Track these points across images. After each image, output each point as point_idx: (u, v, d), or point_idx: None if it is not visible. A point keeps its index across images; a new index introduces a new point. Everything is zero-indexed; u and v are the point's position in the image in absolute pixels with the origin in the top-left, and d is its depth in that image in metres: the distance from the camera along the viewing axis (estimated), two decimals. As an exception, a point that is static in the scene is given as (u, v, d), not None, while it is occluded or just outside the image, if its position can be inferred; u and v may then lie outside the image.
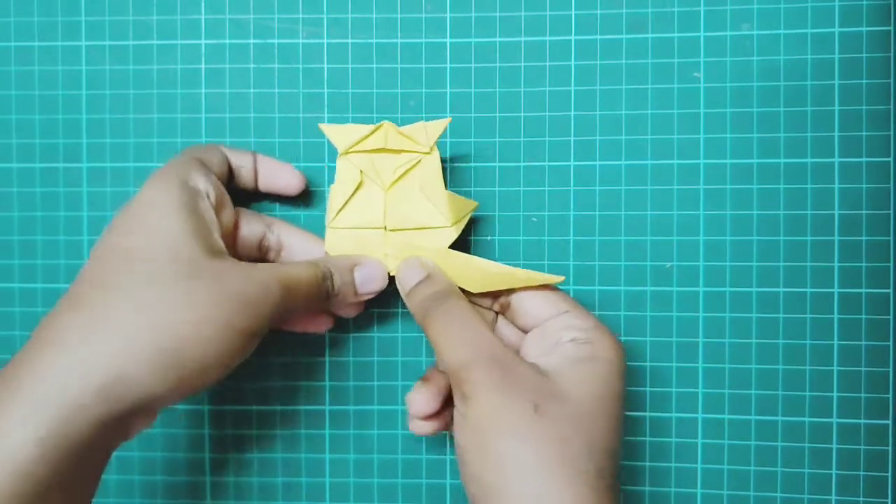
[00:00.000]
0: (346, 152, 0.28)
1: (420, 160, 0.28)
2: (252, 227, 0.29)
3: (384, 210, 0.28)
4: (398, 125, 0.28)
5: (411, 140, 0.28)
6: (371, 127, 0.28)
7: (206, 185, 0.26)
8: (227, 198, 0.27)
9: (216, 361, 0.23)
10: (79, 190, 0.32)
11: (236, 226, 0.28)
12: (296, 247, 0.29)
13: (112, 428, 0.22)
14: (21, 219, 0.32)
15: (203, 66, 0.32)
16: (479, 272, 0.27)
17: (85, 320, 0.22)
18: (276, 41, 0.32)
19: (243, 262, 0.25)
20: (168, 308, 0.22)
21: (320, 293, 0.26)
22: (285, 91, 0.32)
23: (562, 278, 0.27)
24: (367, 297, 0.28)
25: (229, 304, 0.23)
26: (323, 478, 0.32)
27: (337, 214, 0.28)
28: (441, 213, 0.28)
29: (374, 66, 0.32)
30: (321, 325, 0.31)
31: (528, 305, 0.27)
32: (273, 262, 0.29)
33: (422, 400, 0.28)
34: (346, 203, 0.28)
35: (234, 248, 0.28)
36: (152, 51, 0.32)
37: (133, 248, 0.23)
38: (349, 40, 0.32)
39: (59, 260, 0.32)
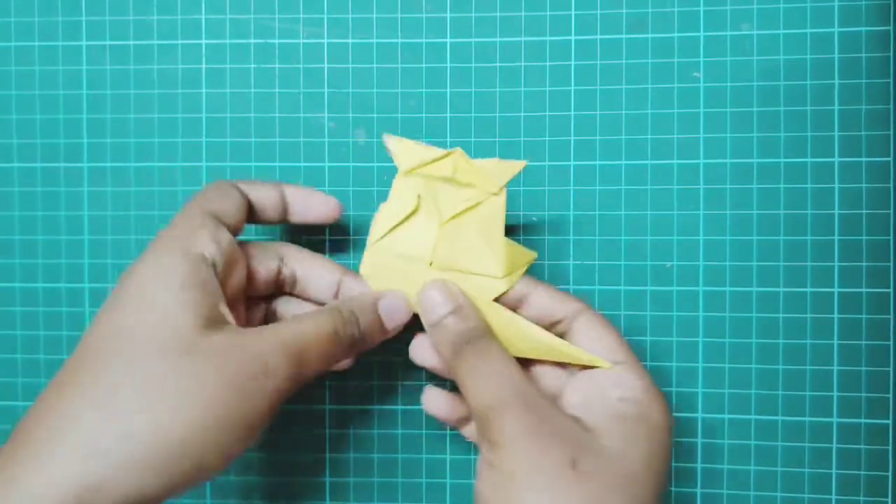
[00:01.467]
0: (409, 172, 0.26)
1: (483, 200, 0.26)
2: (265, 265, 0.26)
3: (434, 244, 0.26)
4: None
5: (481, 175, 0.26)
6: (441, 151, 0.26)
7: (213, 251, 0.23)
8: (238, 255, 0.25)
9: (217, 453, 0.20)
10: (80, 189, 0.32)
11: (250, 276, 0.26)
12: (311, 278, 0.27)
13: None
14: (22, 218, 0.32)
15: (204, 65, 0.32)
16: (521, 334, 0.25)
17: (61, 418, 0.20)
18: (276, 41, 0.32)
19: (247, 332, 0.22)
20: (153, 397, 0.20)
21: (341, 344, 0.24)
22: (286, 91, 0.32)
23: (610, 365, 0.25)
24: (397, 330, 0.26)
25: (227, 388, 0.20)
26: (323, 477, 0.32)
27: (383, 237, 0.26)
28: (496, 262, 0.26)
29: (375, 65, 0.32)
30: (342, 365, 0.28)
31: (589, 341, 0.25)
32: (289, 293, 0.28)
33: (436, 398, 0.27)
34: (394, 227, 0.26)
35: (247, 293, 0.26)
36: (153, 50, 0.32)
37: (122, 327, 0.21)
38: (349, 40, 0.32)
39: (61, 259, 0.32)
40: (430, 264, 0.26)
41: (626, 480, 0.21)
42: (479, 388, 0.23)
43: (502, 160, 0.26)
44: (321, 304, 0.27)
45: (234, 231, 0.25)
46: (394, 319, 0.26)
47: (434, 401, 0.28)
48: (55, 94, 0.32)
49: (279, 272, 0.27)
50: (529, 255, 0.27)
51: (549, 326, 0.26)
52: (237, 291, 0.25)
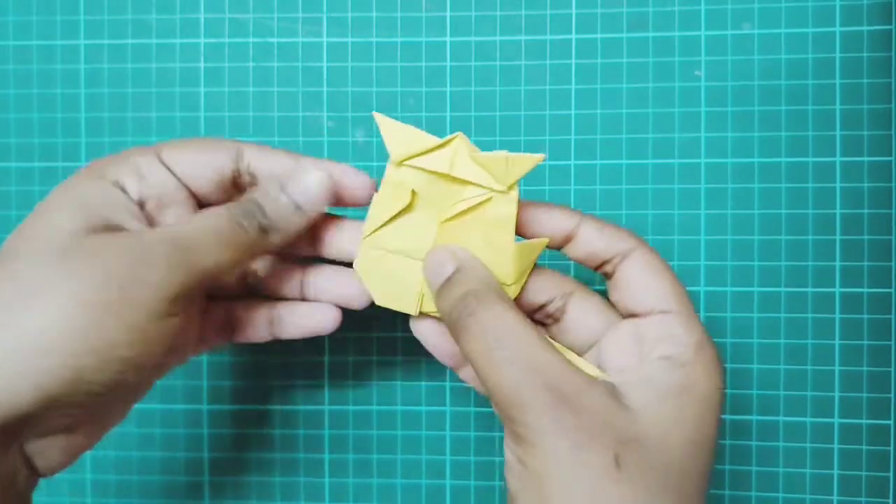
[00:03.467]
0: (401, 163, 0.23)
1: (491, 198, 0.23)
2: (211, 162, 0.23)
3: (433, 243, 0.23)
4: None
5: (486, 171, 0.22)
6: (438, 141, 0.22)
7: (126, 180, 0.22)
8: (178, 198, 0.23)
9: (97, 356, 0.19)
10: (77, 189, 0.32)
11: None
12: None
13: None
14: (19, 218, 0.32)
15: (202, 64, 0.32)
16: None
17: None
18: (275, 40, 0.32)
19: (133, 231, 0.21)
20: (21, 302, 0.19)
21: (242, 232, 0.22)
22: (284, 90, 0.32)
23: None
24: (317, 210, 0.23)
25: (101, 285, 0.19)
26: (322, 478, 0.32)
27: (376, 230, 0.24)
28: (503, 270, 0.23)
29: (374, 64, 0.31)
30: (324, 319, 0.25)
31: (638, 283, 0.22)
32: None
33: (428, 328, 0.24)
34: (389, 221, 0.23)
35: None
36: (151, 49, 0.32)
37: (9, 242, 0.21)
38: (349, 39, 0.32)
39: (58, 259, 0.32)
40: None
41: (672, 469, 0.19)
42: (493, 372, 0.19)
43: (512, 154, 0.22)
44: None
45: (202, 186, 0.23)
46: (307, 195, 0.23)
47: (427, 332, 0.24)
48: (53, 93, 0.32)
49: (238, 174, 0.24)
50: (539, 244, 0.23)
51: (596, 268, 0.23)
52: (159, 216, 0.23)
